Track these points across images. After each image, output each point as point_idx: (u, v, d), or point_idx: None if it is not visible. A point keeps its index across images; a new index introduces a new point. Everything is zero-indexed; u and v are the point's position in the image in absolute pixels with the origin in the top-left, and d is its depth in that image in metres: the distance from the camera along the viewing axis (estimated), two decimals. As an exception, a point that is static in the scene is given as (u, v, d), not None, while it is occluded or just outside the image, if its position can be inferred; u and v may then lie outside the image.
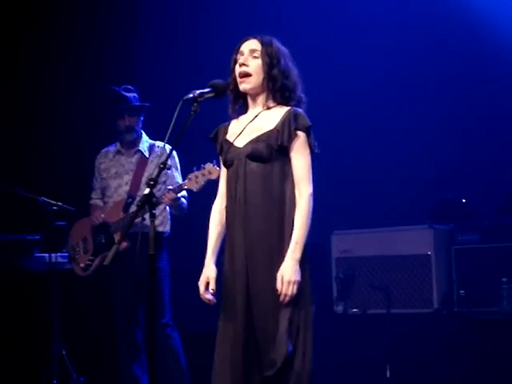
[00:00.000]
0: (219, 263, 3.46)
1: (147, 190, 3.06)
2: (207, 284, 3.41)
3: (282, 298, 3.23)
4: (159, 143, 4.90)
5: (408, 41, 6.33)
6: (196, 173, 4.23)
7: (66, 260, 5.12)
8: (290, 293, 3.23)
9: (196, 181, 4.23)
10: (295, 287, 3.23)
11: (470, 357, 5.09)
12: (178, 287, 4.85)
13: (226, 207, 3.43)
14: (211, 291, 3.40)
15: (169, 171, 4.69)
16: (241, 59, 3.40)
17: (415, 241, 5.65)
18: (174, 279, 4.82)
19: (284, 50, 3.45)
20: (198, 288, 3.44)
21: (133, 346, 4.79)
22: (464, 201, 5.97)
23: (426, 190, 6.21)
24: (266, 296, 3.27)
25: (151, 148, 4.91)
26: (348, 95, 6.43)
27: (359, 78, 6.39)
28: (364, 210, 6.24)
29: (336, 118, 6.36)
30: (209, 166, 4.19)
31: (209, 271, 3.43)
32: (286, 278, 3.23)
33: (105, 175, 4.94)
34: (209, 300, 3.41)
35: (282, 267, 3.25)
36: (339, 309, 5.78)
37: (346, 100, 6.44)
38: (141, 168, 4.83)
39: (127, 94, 4.90)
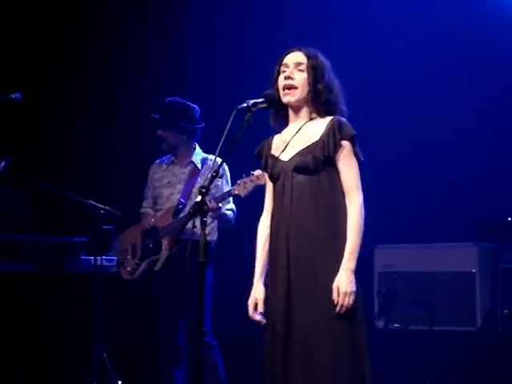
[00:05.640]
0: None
1: (199, 198, 3.08)
2: (256, 305, 3.39)
3: (338, 309, 3.19)
4: (212, 156, 4.91)
5: (465, 46, 6.29)
6: (245, 179, 4.27)
7: (111, 263, 5.18)
8: (346, 303, 3.19)
9: (244, 186, 4.26)
10: (352, 298, 3.19)
11: (513, 377, 5.05)
12: (221, 297, 4.88)
13: (271, 221, 3.39)
14: (260, 312, 3.38)
15: (219, 182, 4.71)
16: (286, 72, 3.38)
17: (460, 258, 5.61)
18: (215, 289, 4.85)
19: (327, 63, 3.43)
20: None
21: (174, 352, 4.80)
22: (510, 219, 5.90)
23: (472, 207, 6.14)
24: (310, 311, 3.22)
25: (204, 161, 4.93)
26: (395, 108, 6.40)
27: (410, 90, 6.34)
28: (408, 225, 6.17)
29: (383, 131, 6.33)
30: (257, 172, 4.22)
31: (257, 292, 3.41)
32: (342, 289, 3.19)
33: (158, 184, 4.97)
34: (258, 321, 3.39)
35: (337, 278, 3.21)
36: (380, 324, 5.75)
37: (393, 111, 6.39)
38: (193, 178, 4.86)
39: (168, 107, 4.89)
